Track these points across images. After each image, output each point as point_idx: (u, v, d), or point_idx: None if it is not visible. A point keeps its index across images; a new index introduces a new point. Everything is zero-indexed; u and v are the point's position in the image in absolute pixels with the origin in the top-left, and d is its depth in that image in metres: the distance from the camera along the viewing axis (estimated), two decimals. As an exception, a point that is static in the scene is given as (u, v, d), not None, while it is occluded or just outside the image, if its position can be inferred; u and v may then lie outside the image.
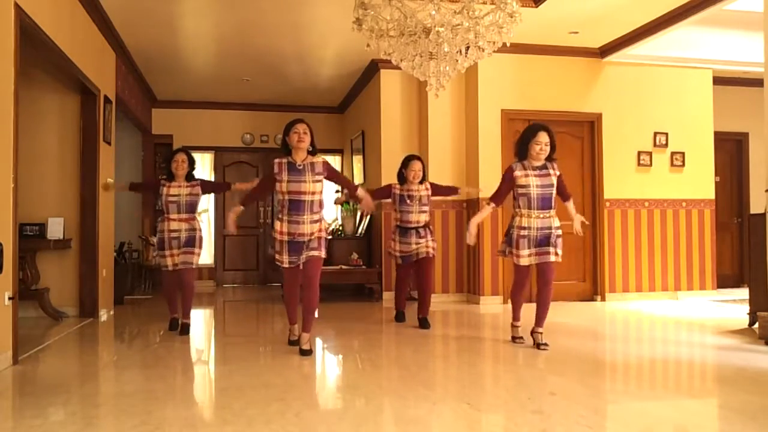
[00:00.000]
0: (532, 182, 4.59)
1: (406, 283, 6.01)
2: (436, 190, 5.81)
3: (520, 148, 4.71)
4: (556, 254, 4.56)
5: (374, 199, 5.56)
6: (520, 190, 4.64)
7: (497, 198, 4.76)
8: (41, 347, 4.78)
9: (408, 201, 5.61)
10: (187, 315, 5.38)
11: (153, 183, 5.55)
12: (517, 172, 4.65)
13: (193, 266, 5.31)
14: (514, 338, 4.90)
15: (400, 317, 6.00)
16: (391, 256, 5.87)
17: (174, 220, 5.26)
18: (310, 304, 4.48)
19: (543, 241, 4.57)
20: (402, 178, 5.71)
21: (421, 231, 5.63)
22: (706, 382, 3.97)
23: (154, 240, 9.22)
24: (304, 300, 4.48)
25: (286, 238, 4.39)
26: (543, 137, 4.61)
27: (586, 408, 3.09)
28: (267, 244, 10.67)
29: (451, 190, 6.03)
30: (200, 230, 5.38)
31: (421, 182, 5.67)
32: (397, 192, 5.68)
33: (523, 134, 4.73)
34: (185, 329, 5.32)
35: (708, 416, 3.17)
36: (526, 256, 4.60)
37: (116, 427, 2.83)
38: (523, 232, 4.59)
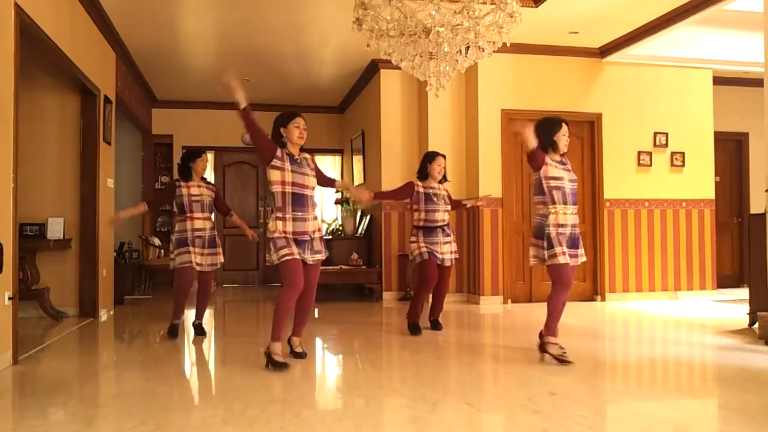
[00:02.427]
0: (564, 175, 4.23)
1: (431, 289, 5.39)
2: (452, 202, 5.53)
3: (546, 139, 4.26)
4: (584, 255, 4.32)
5: (390, 199, 5.24)
6: (553, 183, 4.20)
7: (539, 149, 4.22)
8: (41, 347, 4.78)
9: (434, 199, 5.29)
10: (201, 316, 5.40)
11: (168, 192, 5.35)
12: (548, 160, 4.23)
13: (218, 267, 5.34)
14: (563, 358, 4.07)
15: (415, 329, 5.31)
16: (414, 258, 5.31)
17: (199, 219, 5.14)
18: (309, 309, 4.26)
19: (575, 242, 4.26)
20: (424, 173, 5.39)
21: (447, 229, 5.35)
22: (706, 382, 3.97)
23: (155, 240, 9.30)
24: (305, 304, 4.20)
25: (291, 236, 3.99)
26: (567, 129, 4.32)
27: (586, 408, 3.09)
28: (266, 245, 10.64)
29: (459, 205, 5.68)
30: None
31: (440, 182, 5.42)
32: (422, 190, 5.31)
33: (549, 125, 4.29)
34: (202, 330, 5.34)
35: (708, 416, 3.17)
36: (568, 255, 4.18)
37: (116, 427, 2.83)
38: (561, 230, 4.18)
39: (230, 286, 10.28)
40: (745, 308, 5.67)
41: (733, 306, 6.97)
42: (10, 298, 4.09)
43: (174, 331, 5.25)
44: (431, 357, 4.55)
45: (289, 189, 4.00)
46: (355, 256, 8.10)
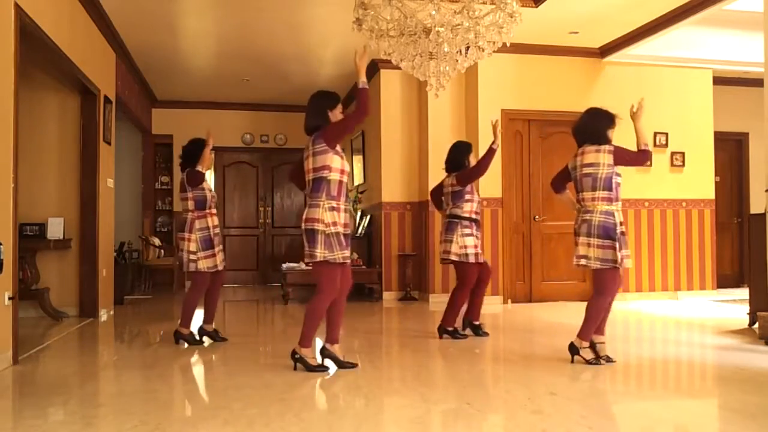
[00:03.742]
0: None
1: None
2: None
3: (603, 132, 4.13)
4: None
5: (486, 163, 4.90)
6: (618, 179, 4.02)
7: None
8: (41, 347, 4.78)
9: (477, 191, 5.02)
10: (212, 319, 5.01)
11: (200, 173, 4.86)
12: None
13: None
14: (609, 358, 4.07)
15: (460, 335, 5.01)
16: (468, 256, 4.88)
17: (215, 215, 4.87)
18: (343, 310, 4.00)
19: None
20: (463, 165, 5.05)
21: None
22: (706, 382, 3.97)
23: (155, 240, 9.29)
24: (341, 305, 3.95)
25: (344, 230, 3.75)
26: None
27: (586, 408, 3.09)
28: (267, 244, 10.65)
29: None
30: None
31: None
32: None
33: (608, 117, 4.19)
34: (219, 336, 4.96)
35: (708, 416, 3.17)
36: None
37: (116, 427, 2.83)
38: (622, 229, 3.97)
39: (230, 286, 10.28)
40: (745, 308, 5.67)
41: (733, 306, 6.97)
42: (10, 298, 4.09)
43: (192, 339, 4.80)
44: (431, 357, 4.55)
45: (345, 178, 3.77)
46: (355, 256, 8.08)
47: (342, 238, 3.73)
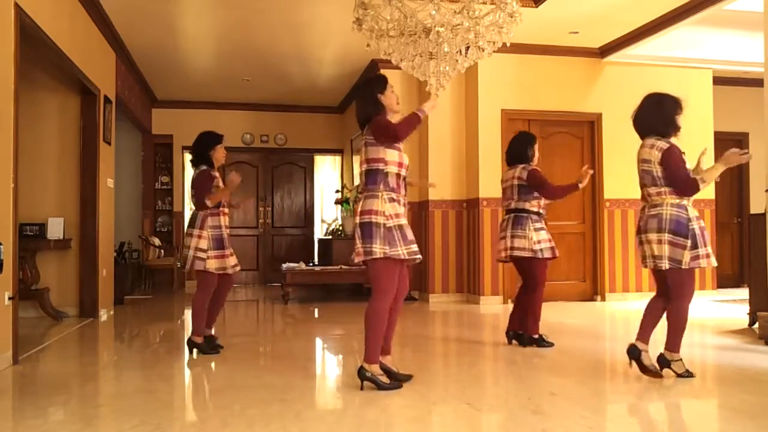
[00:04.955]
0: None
1: None
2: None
3: (670, 118, 3.81)
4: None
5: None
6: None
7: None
8: (41, 347, 4.78)
9: None
10: (213, 324, 4.66)
11: (210, 182, 4.52)
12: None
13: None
14: (688, 374, 3.68)
15: (547, 342, 4.62)
16: (543, 251, 4.52)
17: (227, 214, 4.56)
18: (397, 318, 3.58)
19: None
20: (527, 157, 4.69)
21: None
22: (706, 382, 3.97)
23: (155, 240, 9.27)
24: (396, 313, 3.53)
25: (403, 221, 3.39)
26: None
27: (586, 408, 3.09)
28: (267, 244, 10.65)
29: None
30: None
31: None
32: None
33: (671, 103, 3.85)
34: (217, 345, 4.60)
35: (708, 416, 3.17)
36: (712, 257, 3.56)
37: (116, 427, 2.83)
38: (702, 224, 3.56)
39: (230, 286, 10.27)
40: (745, 308, 5.67)
41: (733, 306, 6.97)
42: (10, 298, 4.09)
43: (212, 345, 4.51)
44: (431, 357, 4.55)
45: (403, 171, 3.41)
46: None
47: (407, 231, 3.36)
